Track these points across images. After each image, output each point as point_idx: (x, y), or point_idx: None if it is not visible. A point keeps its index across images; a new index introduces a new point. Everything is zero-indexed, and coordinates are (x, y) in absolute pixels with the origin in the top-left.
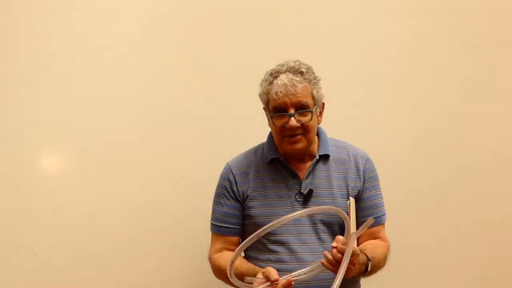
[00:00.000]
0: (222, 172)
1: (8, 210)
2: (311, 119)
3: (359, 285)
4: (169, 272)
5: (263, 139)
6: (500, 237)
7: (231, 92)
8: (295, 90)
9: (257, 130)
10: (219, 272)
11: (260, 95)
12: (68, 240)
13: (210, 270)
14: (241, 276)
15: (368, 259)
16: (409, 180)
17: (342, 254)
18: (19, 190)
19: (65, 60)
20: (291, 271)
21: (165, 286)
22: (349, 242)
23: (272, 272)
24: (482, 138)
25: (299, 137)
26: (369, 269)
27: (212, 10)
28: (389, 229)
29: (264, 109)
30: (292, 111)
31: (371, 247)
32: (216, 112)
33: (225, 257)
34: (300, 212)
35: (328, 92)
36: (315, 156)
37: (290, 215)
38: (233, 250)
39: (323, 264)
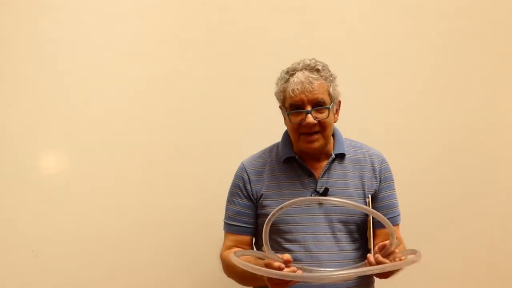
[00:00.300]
0: (236, 171)
1: (8, 210)
2: (328, 116)
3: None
4: (169, 272)
5: (265, 138)
6: (500, 237)
7: (231, 92)
8: (312, 87)
9: (257, 130)
10: (228, 269)
11: (276, 94)
12: (68, 240)
13: (211, 270)
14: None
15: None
16: (409, 181)
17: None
18: (19, 190)
19: (65, 60)
20: (307, 270)
21: (165, 286)
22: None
23: (286, 255)
24: (483, 138)
25: (316, 136)
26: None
27: (213, 10)
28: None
29: (280, 107)
30: (309, 108)
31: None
32: (216, 112)
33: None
34: (325, 198)
35: None
36: (331, 155)
37: (313, 198)
38: (243, 249)
39: (369, 261)
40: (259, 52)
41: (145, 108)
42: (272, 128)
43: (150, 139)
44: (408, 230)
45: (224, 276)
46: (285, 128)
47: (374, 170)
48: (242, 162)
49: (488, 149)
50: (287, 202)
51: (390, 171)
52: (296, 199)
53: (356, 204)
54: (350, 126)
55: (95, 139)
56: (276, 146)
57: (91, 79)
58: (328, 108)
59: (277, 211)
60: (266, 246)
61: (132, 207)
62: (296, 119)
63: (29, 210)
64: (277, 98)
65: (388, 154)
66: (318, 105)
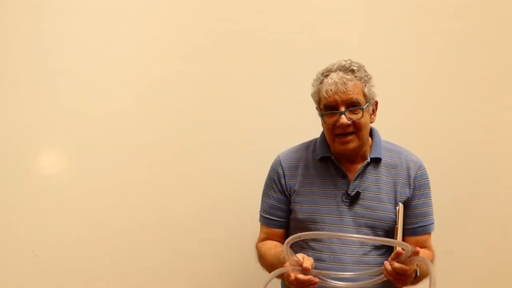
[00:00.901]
0: (272, 164)
1: (8, 210)
2: (362, 116)
3: None
4: (170, 272)
5: (266, 138)
6: (500, 237)
7: (232, 92)
8: (346, 88)
9: (258, 130)
10: (261, 259)
11: (312, 95)
12: (68, 240)
13: (211, 270)
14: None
15: (417, 265)
16: None
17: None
18: (19, 190)
19: (65, 60)
20: (328, 270)
21: (166, 286)
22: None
23: (308, 261)
24: (483, 138)
25: (350, 137)
26: (418, 274)
27: (213, 10)
28: None
29: (316, 108)
30: (342, 108)
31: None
32: (217, 112)
33: (267, 245)
34: (358, 237)
35: None
36: (367, 158)
37: (347, 235)
38: (276, 242)
39: (385, 268)
40: (260, 52)
41: (145, 108)
42: (273, 128)
43: (150, 139)
44: None
45: (226, 276)
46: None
47: (409, 176)
48: (278, 155)
49: (488, 149)
50: (316, 232)
51: (427, 178)
52: (329, 233)
53: (372, 238)
54: None
55: (95, 139)
56: (313, 142)
57: (91, 79)
58: (362, 109)
59: (303, 236)
60: (286, 255)
61: (132, 207)
62: (330, 120)
63: (29, 210)
64: (313, 99)
65: None
66: (352, 105)
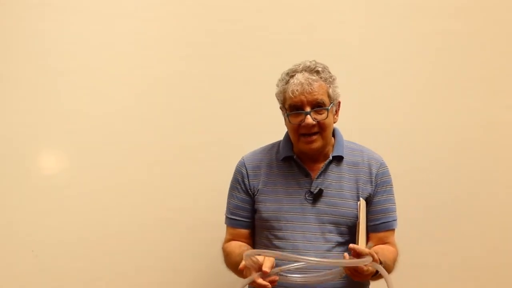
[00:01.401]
0: (236, 166)
1: (8, 210)
2: (327, 117)
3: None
4: (170, 271)
5: (266, 138)
6: (500, 237)
7: (232, 92)
8: (311, 88)
9: (258, 130)
10: (226, 261)
11: (277, 95)
12: (68, 240)
13: (212, 270)
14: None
15: (380, 262)
16: (409, 180)
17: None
18: (19, 190)
19: (65, 60)
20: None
21: (166, 286)
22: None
23: (268, 263)
24: (483, 138)
25: (315, 137)
26: (378, 271)
27: (213, 11)
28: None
29: (280, 108)
30: (308, 109)
31: (381, 250)
32: (217, 112)
33: (232, 246)
34: (326, 261)
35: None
36: (329, 157)
37: (321, 260)
38: (240, 242)
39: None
40: (260, 52)
41: (145, 108)
42: (273, 128)
43: (150, 139)
44: (408, 230)
45: (227, 276)
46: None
47: (371, 174)
48: (242, 157)
49: (488, 149)
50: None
51: (389, 176)
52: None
53: (332, 261)
54: (350, 126)
55: (95, 139)
56: (277, 144)
57: (91, 79)
58: (327, 109)
59: (263, 253)
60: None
61: (132, 207)
62: (296, 120)
63: (29, 210)
64: (278, 99)
65: (388, 154)
66: (318, 106)
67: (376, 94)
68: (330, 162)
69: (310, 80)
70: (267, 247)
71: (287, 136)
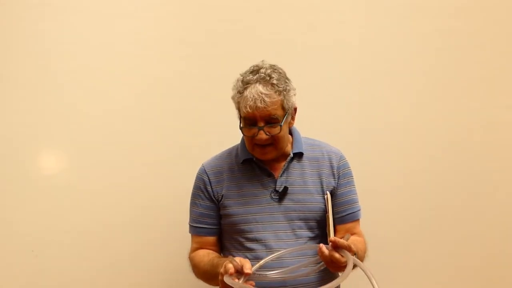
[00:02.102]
0: (197, 173)
1: (8, 210)
2: (281, 130)
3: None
4: (169, 272)
5: None
6: (500, 238)
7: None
8: (265, 104)
9: None
10: (195, 271)
11: (232, 98)
12: (68, 240)
13: None
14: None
15: (354, 253)
16: (409, 180)
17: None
18: (19, 190)
19: (65, 60)
20: (267, 266)
21: (166, 286)
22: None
23: (247, 264)
24: (483, 138)
25: (269, 148)
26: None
27: (212, 11)
28: (386, 229)
29: (237, 111)
30: (261, 124)
31: (353, 242)
32: (216, 112)
33: (199, 254)
34: (291, 249)
35: (327, 92)
36: (289, 155)
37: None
38: (208, 250)
39: (321, 250)
40: (260, 52)
41: (145, 108)
42: None
43: (150, 139)
44: (408, 231)
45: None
46: None
47: (332, 167)
48: (202, 164)
49: (488, 149)
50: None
51: (349, 168)
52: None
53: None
54: (350, 126)
55: (95, 139)
56: (236, 147)
57: (91, 79)
58: (281, 125)
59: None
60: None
61: (132, 207)
62: (249, 133)
63: (29, 210)
64: (233, 102)
65: (388, 153)
66: (271, 121)
67: (376, 94)
68: (292, 159)
69: (263, 96)
70: (238, 250)
71: (244, 141)
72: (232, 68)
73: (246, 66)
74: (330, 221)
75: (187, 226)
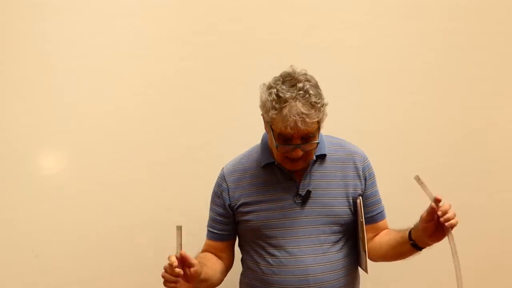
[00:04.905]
0: (217, 178)
1: (8, 210)
2: (316, 146)
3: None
4: None
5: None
6: (500, 238)
7: (231, 92)
8: (306, 126)
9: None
10: None
11: (264, 115)
12: (68, 240)
13: None
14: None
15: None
16: (409, 180)
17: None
18: (19, 190)
19: (65, 60)
20: (292, 273)
21: None
22: None
23: (172, 257)
24: (483, 138)
25: (300, 162)
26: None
27: (213, 11)
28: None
29: (264, 121)
30: (298, 142)
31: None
32: (216, 112)
33: (198, 257)
34: None
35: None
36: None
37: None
38: (211, 254)
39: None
40: (260, 52)
41: (145, 108)
42: None
43: (150, 139)
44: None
45: (228, 276)
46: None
47: (357, 168)
48: (222, 169)
49: (488, 149)
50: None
51: (372, 168)
52: None
53: None
54: (350, 127)
55: (95, 139)
56: (255, 150)
57: (91, 79)
58: (318, 142)
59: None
60: None
61: (132, 207)
62: (284, 149)
63: (29, 210)
64: (262, 111)
65: (389, 154)
66: (308, 139)
67: (376, 94)
68: (314, 162)
69: (304, 117)
70: (260, 255)
71: (265, 143)
72: (232, 68)
73: (246, 66)
74: (364, 226)
75: (187, 226)
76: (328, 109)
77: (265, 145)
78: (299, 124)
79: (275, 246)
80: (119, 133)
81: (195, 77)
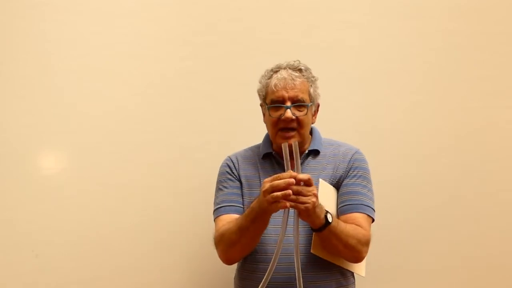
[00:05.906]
0: (221, 164)
1: (8, 210)
2: (306, 114)
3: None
4: (170, 272)
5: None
6: (500, 238)
7: (231, 92)
8: (294, 84)
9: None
10: (226, 238)
11: (259, 90)
12: (68, 240)
13: (211, 270)
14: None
15: (327, 212)
16: (409, 181)
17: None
18: (19, 190)
19: (65, 60)
20: (274, 241)
21: (166, 286)
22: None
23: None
24: (483, 138)
25: (292, 133)
26: (329, 220)
27: (213, 11)
28: (388, 229)
29: (261, 105)
30: (288, 103)
31: (341, 222)
32: (216, 112)
33: (227, 224)
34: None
35: (328, 92)
36: (305, 151)
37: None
38: None
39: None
40: (260, 52)
41: (145, 109)
42: None
43: (150, 139)
44: (408, 231)
45: (228, 276)
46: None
47: (345, 161)
48: (228, 156)
49: (487, 149)
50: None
51: (364, 163)
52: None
53: None
54: (350, 127)
55: (95, 139)
56: (257, 146)
57: (91, 79)
58: (307, 106)
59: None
60: None
61: (132, 207)
62: (276, 114)
63: (29, 210)
64: (259, 95)
65: (389, 154)
66: (298, 102)
67: (376, 94)
68: (307, 155)
69: (293, 76)
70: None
71: (266, 136)
72: (232, 68)
73: (246, 66)
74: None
75: (187, 226)
76: (328, 109)
77: (266, 139)
78: (289, 81)
79: (263, 252)
80: (119, 133)
81: (195, 77)
